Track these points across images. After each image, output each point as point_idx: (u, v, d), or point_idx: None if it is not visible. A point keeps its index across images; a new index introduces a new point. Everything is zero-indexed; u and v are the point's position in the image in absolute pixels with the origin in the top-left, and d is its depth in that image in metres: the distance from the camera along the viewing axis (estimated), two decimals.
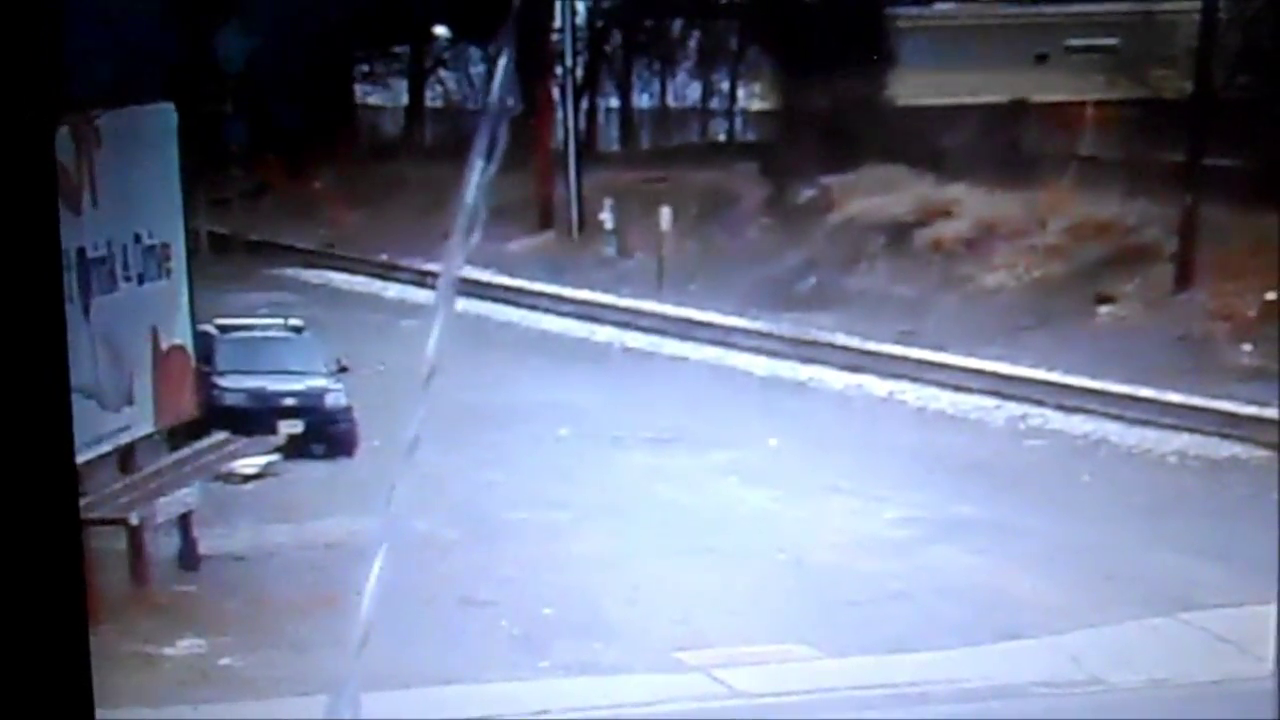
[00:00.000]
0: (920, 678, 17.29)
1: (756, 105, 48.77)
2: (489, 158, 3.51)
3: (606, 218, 41.22)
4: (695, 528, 21.25)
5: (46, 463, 2.97)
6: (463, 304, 30.63)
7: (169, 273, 21.01)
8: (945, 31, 45.51)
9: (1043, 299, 33.28)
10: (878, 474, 24.26)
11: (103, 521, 18.32)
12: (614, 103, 53.42)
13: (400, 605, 15.72)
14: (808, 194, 39.41)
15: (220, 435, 22.09)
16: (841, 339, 32.60)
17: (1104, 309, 32.79)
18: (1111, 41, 39.20)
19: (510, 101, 3.65)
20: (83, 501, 16.19)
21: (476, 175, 3.51)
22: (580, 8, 47.81)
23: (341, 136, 50.74)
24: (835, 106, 40.41)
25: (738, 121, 51.21)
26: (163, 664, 17.66)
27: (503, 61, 4.03)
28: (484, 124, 3.53)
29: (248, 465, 23.15)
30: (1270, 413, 24.72)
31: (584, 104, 49.22)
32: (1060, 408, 27.96)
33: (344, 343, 28.37)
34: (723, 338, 33.66)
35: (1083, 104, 40.01)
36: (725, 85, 51.56)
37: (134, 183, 20.22)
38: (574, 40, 45.61)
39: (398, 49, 55.68)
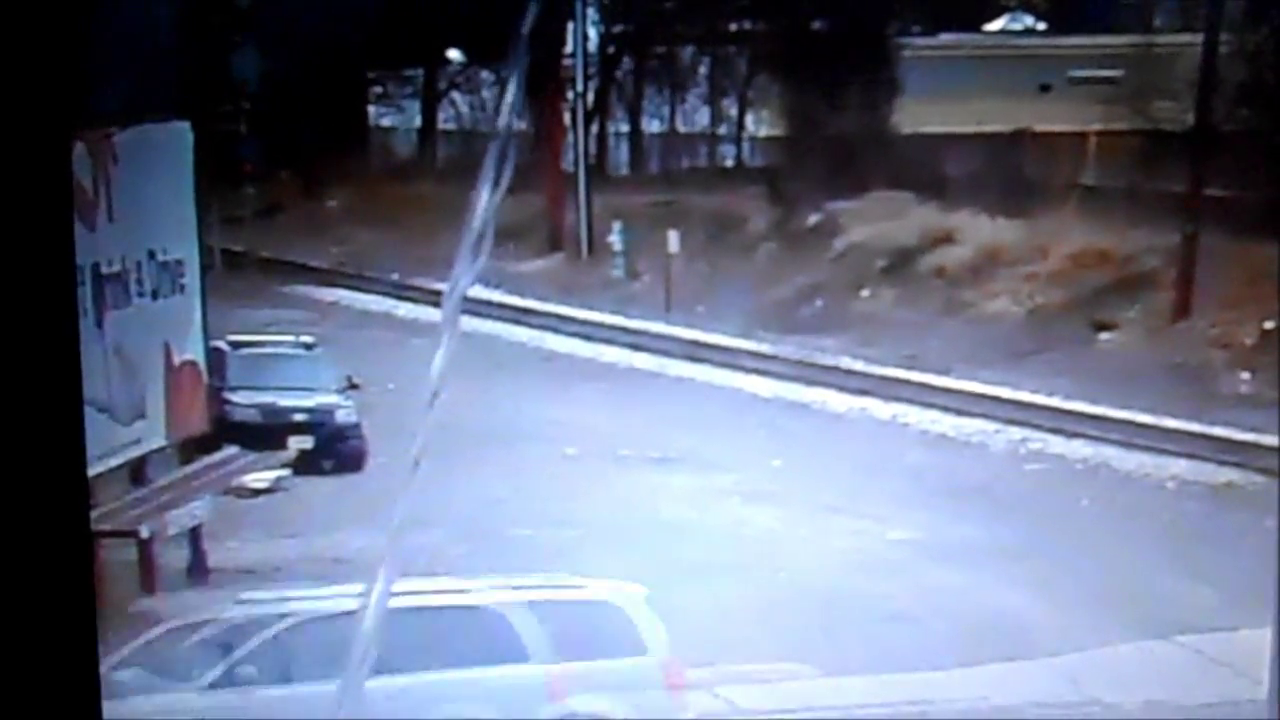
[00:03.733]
0: (919, 697, 17.49)
1: (764, 131, 48.97)
2: (497, 182, 3.49)
3: (615, 240, 41.42)
4: (699, 547, 21.39)
5: (58, 475, 2.97)
6: (473, 324, 30.81)
7: (182, 289, 21.20)
8: (950, 61, 45.75)
9: (1044, 325, 33.43)
10: (879, 496, 24.40)
11: (113, 534, 18.44)
12: (624, 127, 53.65)
13: None
14: (814, 219, 39.62)
15: (230, 450, 22.23)
16: (845, 362, 32.75)
17: (1104, 336, 32.96)
18: (1114, 73, 39.39)
19: (516, 124, 3.64)
20: (94, 514, 16.43)
21: (484, 199, 3.50)
22: (592, 33, 48.08)
23: (355, 157, 50.98)
24: (842, 134, 40.67)
25: (746, 147, 51.42)
26: None
27: (512, 85, 4.05)
28: (492, 147, 3.52)
29: (257, 480, 23.28)
30: (1267, 439, 24.85)
31: (594, 128, 49.45)
32: (1060, 432, 28.10)
33: (354, 360, 28.54)
34: (728, 360, 33.81)
35: (1085, 134, 40.20)
36: (734, 111, 51.76)
37: (149, 199, 20.41)
38: (585, 65, 45.85)
39: (411, 71, 55.94)
